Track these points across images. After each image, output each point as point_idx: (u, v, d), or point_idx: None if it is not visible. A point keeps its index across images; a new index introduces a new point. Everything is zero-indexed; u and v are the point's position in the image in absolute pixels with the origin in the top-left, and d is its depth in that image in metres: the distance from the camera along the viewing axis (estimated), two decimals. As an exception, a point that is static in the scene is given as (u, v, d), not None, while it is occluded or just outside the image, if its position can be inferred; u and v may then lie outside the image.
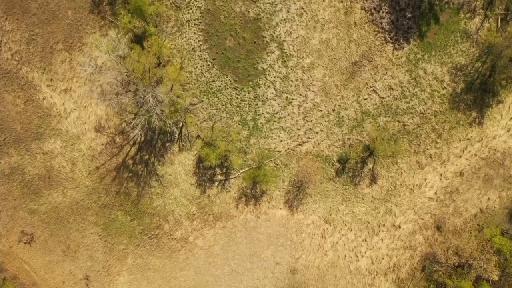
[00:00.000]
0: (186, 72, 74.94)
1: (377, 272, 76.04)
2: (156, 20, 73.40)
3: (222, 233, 75.29)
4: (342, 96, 75.40)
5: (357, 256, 76.00)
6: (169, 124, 68.79)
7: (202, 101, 75.43)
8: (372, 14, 74.73)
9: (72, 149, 74.65)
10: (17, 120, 73.85)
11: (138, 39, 73.66)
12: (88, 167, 74.78)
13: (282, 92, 75.33)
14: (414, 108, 75.23)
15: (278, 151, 75.65)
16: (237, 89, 75.48)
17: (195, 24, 75.11)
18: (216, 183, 75.68)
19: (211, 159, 69.94)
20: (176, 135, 74.80)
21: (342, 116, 75.49)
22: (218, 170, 75.47)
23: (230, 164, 74.43)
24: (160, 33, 74.11)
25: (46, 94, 74.15)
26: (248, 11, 74.85)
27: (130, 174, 74.89)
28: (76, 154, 74.71)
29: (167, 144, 74.89)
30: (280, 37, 74.87)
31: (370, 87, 75.23)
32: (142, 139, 73.01)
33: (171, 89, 68.32)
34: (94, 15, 74.25)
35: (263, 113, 75.58)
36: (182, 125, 74.64)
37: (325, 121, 75.49)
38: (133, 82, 64.65)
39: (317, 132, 75.58)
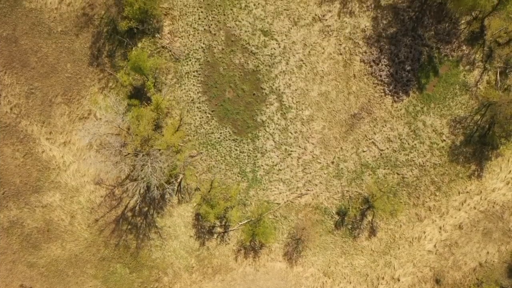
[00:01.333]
0: (185, 123, 74.98)
1: (376, 323, 76.13)
2: (155, 72, 73.36)
3: (221, 286, 75.28)
4: (341, 148, 75.41)
5: (356, 307, 76.10)
6: (168, 188, 68.95)
7: (201, 153, 75.45)
8: (371, 66, 74.75)
9: (71, 202, 74.65)
10: (16, 173, 73.86)
11: (137, 91, 73.82)
12: (87, 220, 74.78)
13: (281, 144, 75.35)
14: (413, 160, 75.23)
15: (277, 203, 75.65)
16: (236, 141, 75.49)
17: (194, 75, 75.15)
18: (215, 235, 75.68)
19: (210, 218, 70.00)
20: (175, 187, 74.76)
21: (341, 168, 75.50)
22: (217, 223, 75.47)
23: (229, 217, 74.39)
24: (159, 85, 74.21)
25: (45, 147, 74.18)
26: (247, 63, 74.88)
27: (129, 227, 74.90)
28: (75, 206, 74.71)
29: (166, 196, 74.86)
30: (279, 89, 74.91)
31: (369, 139, 75.24)
32: (140, 200, 73.10)
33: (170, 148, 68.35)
34: (93, 68, 74.29)
35: (262, 165, 75.59)
36: (181, 178, 74.61)
37: (324, 173, 75.48)
38: (132, 153, 64.69)
39: (316, 184, 75.57)
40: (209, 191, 71.94)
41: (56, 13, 73.25)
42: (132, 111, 68.46)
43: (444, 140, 75.10)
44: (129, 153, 64.69)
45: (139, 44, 74.31)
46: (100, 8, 73.56)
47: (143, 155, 64.12)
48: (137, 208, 74.71)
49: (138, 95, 74.07)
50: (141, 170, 63.68)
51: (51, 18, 73.22)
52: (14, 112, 73.42)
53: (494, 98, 68.83)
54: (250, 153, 75.46)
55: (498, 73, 73.80)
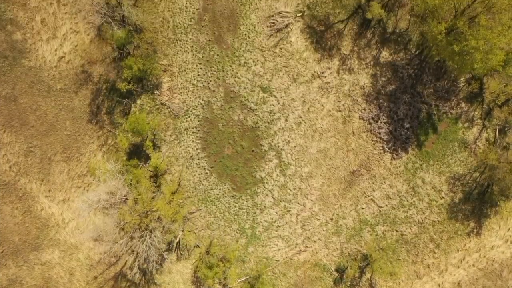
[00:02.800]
0: (184, 180, 75.02)
1: None
2: (154, 130, 73.34)
3: None
4: (340, 205, 75.44)
5: None
6: (167, 255, 69.19)
7: (200, 209, 75.47)
8: (370, 124, 74.79)
9: (70, 259, 74.66)
10: (15, 231, 73.87)
11: (136, 148, 73.87)
12: (86, 277, 74.77)
13: (280, 201, 75.37)
14: (412, 217, 75.26)
15: (276, 260, 75.63)
16: (235, 198, 75.52)
17: (193, 132, 75.19)
18: (214, 292, 75.78)
19: (209, 282, 70.04)
20: (174, 244, 74.74)
21: (340, 225, 75.52)
22: (216, 279, 75.42)
23: (228, 275, 74.36)
24: (158, 141, 74.30)
25: (44, 205, 74.20)
26: (247, 120, 74.93)
27: (128, 284, 74.89)
28: (74, 264, 74.71)
29: (165, 253, 74.81)
30: (278, 146, 74.95)
31: (368, 196, 75.27)
32: (139, 257, 73.00)
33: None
34: (92, 125, 74.34)
35: (261, 222, 75.60)
36: (180, 235, 74.59)
37: (323, 230, 75.51)
38: (131, 231, 64.74)
39: (315, 241, 75.58)
40: (207, 251, 71.96)
41: (55, 71, 73.30)
42: (130, 175, 68.39)
43: (443, 198, 75.14)
44: (127, 232, 65.00)
45: (138, 101, 74.41)
46: (99, 66, 73.60)
47: (142, 230, 64.23)
48: (135, 264, 74.62)
49: (137, 152, 74.13)
50: (141, 244, 63.76)
51: (50, 76, 73.26)
52: (13, 170, 73.43)
53: (493, 162, 68.85)
54: (249, 210, 75.48)
55: (497, 131, 73.85)
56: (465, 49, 56.90)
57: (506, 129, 73.72)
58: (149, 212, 65.35)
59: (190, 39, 74.56)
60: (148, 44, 70.43)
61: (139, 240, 64.13)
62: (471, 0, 57.75)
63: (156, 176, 72.67)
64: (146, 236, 63.64)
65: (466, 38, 56.73)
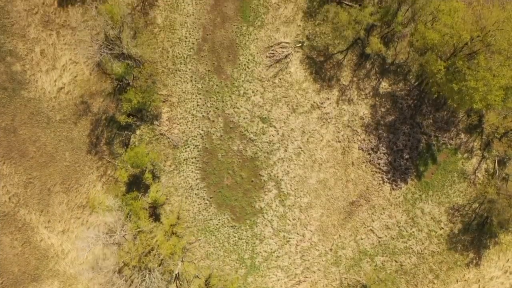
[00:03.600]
0: (184, 210, 75.06)
1: None
2: (154, 161, 73.35)
3: None
4: (339, 235, 75.46)
5: None
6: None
7: (199, 239, 75.49)
8: (369, 154, 74.80)
9: (70, 290, 74.85)
10: (14, 262, 73.88)
11: (136, 178, 73.87)
12: (86, 308, 74.92)
13: (280, 231, 75.40)
14: (411, 248, 75.27)
15: (275, 291, 75.80)
16: (234, 228, 75.53)
17: (192, 162, 75.21)
18: (214, 323, 75.81)
19: (209, 317, 70.28)
20: (174, 275, 74.76)
21: (340, 255, 75.53)
22: (215, 310, 75.59)
23: (228, 305, 74.56)
24: (158, 172, 74.35)
25: (43, 236, 74.20)
26: (246, 150, 74.96)
27: (127, 314, 74.91)
28: (73, 294, 74.89)
29: (164, 284, 74.79)
30: (277, 176, 74.96)
31: (368, 226, 75.29)
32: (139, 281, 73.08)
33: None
34: (91, 155, 74.36)
35: (260, 252, 75.63)
36: (180, 265, 74.61)
37: (323, 260, 75.52)
38: (130, 273, 64.81)
39: (314, 271, 75.60)
40: (207, 283, 72.02)
41: (54, 102, 73.32)
42: (129, 208, 68.44)
43: (442, 228, 75.16)
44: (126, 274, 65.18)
45: (138, 132, 74.42)
46: (98, 97, 73.64)
47: (141, 270, 64.31)
48: (135, 295, 74.71)
49: (137, 182, 74.14)
50: (139, 283, 63.85)
51: (49, 107, 73.27)
52: (13, 202, 73.44)
53: (492, 196, 68.88)
54: (249, 240, 75.50)
55: (496, 162, 73.87)
56: (464, 89, 56.90)
57: (505, 160, 73.68)
58: (149, 252, 65.39)
59: (189, 69, 74.60)
60: (148, 76, 70.34)
61: (138, 278, 64.18)
62: (470, 39, 57.69)
63: (155, 207, 72.68)
64: (145, 276, 63.67)
65: (465, 77, 56.72)
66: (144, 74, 69.60)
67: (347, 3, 72.73)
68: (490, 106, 59.69)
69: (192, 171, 75.16)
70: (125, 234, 65.82)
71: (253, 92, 74.54)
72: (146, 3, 73.96)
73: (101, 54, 67.74)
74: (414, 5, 68.52)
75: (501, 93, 57.49)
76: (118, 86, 72.85)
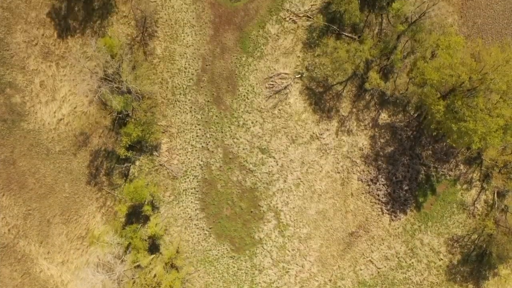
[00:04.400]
0: (183, 241, 75.09)
1: None
2: (153, 192, 73.32)
3: None
4: (338, 266, 75.51)
5: None
6: None
7: (198, 270, 75.52)
8: (369, 185, 74.85)
9: (69, 321, 74.85)
10: (14, 294, 74.03)
11: (135, 209, 73.89)
12: (85, 338, 74.87)
13: (279, 262, 75.43)
14: (410, 279, 75.33)
15: (274, 321, 75.81)
16: (234, 258, 75.57)
17: (192, 193, 75.25)
18: None
19: None
20: (173, 305, 74.82)
21: (339, 286, 75.56)
22: None
23: (227, 336, 74.65)
24: (157, 202, 74.39)
25: (43, 267, 74.22)
26: (245, 180, 75.00)
27: None
28: (73, 325, 74.88)
29: (164, 315, 74.89)
30: (277, 207, 75.02)
31: (367, 257, 75.34)
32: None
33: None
34: (91, 187, 74.39)
35: (260, 282, 75.67)
36: (179, 296, 74.73)
37: (322, 291, 75.68)
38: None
39: (313, 302, 75.75)
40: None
41: (54, 133, 73.35)
42: (128, 240, 68.56)
43: (442, 259, 75.24)
44: None
45: (137, 163, 74.45)
46: (98, 127, 73.68)
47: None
48: (134, 326, 74.80)
49: (136, 212, 74.13)
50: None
51: (49, 138, 73.29)
52: (12, 233, 73.45)
53: (491, 231, 68.96)
54: (248, 270, 75.54)
55: (495, 194, 73.90)
56: (463, 129, 56.94)
57: (504, 192, 73.72)
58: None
59: (189, 100, 74.67)
60: (147, 109, 70.38)
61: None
62: (469, 80, 57.67)
63: (154, 239, 72.73)
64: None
65: (464, 118, 56.77)
66: (143, 107, 69.66)
67: (346, 34, 72.84)
68: (489, 145, 59.72)
69: (192, 202, 75.21)
70: (124, 270, 65.86)
71: (252, 122, 74.60)
72: (146, 34, 74.01)
73: (99, 87, 67.67)
74: (413, 38, 68.71)
75: (500, 133, 57.53)
76: (118, 117, 72.82)
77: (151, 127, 70.90)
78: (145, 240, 72.40)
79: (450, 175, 74.71)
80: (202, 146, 74.85)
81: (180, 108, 74.76)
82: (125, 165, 73.06)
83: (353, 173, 75.02)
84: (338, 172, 75.05)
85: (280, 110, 74.67)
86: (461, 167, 74.58)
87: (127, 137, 69.01)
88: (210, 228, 75.29)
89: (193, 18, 74.27)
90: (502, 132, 61.06)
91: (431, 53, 69.03)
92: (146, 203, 72.13)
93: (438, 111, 58.93)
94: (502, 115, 55.58)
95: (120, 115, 72.37)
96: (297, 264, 75.42)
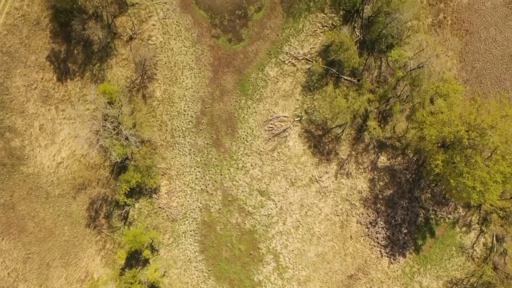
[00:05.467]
0: (182, 283, 75.18)
1: None
2: (152, 237, 73.35)
3: None
4: (337, 308, 75.66)
5: None
6: None
7: (198, 312, 75.65)
8: (368, 228, 74.92)
9: None
10: (13, 337, 74.04)
11: (135, 252, 73.90)
12: None
13: (278, 304, 75.59)
14: (409, 321, 75.50)
15: None
16: (233, 300, 75.73)
17: (191, 235, 75.33)
18: None
19: None
20: None
21: (338, 328, 75.74)
22: None
23: None
24: (156, 245, 74.45)
25: (42, 310, 74.38)
26: (244, 223, 75.08)
27: None
28: None
29: None
30: (276, 249, 75.07)
31: (366, 300, 75.48)
32: None
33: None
34: (90, 229, 74.43)
35: (259, 325, 75.81)
36: None
37: (321, 334, 75.74)
38: None
39: None
40: None
41: (53, 177, 73.42)
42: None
43: (441, 302, 75.40)
44: None
45: (136, 205, 74.52)
46: (97, 170, 73.74)
47: None
48: None
49: (136, 256, 74.17)
50: None
51: (48, 182, 73.37)
52: (12, 276, 73.51)
53: (489, 278, 69.01)
54: (247, 313, 75.68)
55: (494, 237, 73.95)
56: (462, 186, 57.01)
57: (503, 235, 73.75)
58: None
59: (188, 142, 74.76)
60: (146, 156, 70.43)
61: None
62: (467, 138, 57.62)
63: (154, 284, 72.81)
64: None
65: (462, 175, 56.83)
66: (142, 153, 69.71)
67: (345, 78, 72.95)
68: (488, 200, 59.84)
69: (191, 244, 75.28)
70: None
71: (251, 165, 74.68)
72: (145, 77, 74.09)
73: (99, 136, 67.71)
74: (412, 84, 68.79)
75: (498, 190, 57.56)
76: (117, 161, 72.80)
77: (150, 171, 70.97)
78: (145, 283, 72.52)
79: (449, 218, 74.78)
80: (201, 189, 74.93)
81: (180, 150, 74.85)
82: (124, 210, 73.10)
83: (352, 216, 75.10)
84: (337, 215, 75.13)
85: (279, 152, 74.75)
86: (460, 210, 74.62)
87: (126, 183, 69.04)
88: (209, 270, 75.36)
89: (193, 60, 74.39)
90: (501, 184, 61.07)
91: (429, 99, 69.11)
92: (145, 247, 72.19)
93: (437, 165, 59.00)
94: (501, 171, 55.63)
95: (120, 159, 72.35)
96: (296, 307, 75.57)
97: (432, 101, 68.93)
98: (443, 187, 68.65)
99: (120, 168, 73.12)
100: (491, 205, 70.87)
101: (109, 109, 66.66)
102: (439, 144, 63.43)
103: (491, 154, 54.84)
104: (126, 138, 68.40)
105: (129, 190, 70.75)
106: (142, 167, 69.56)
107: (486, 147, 56.21)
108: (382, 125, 71.51)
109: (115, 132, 68.38)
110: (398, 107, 66.39)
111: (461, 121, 56.61)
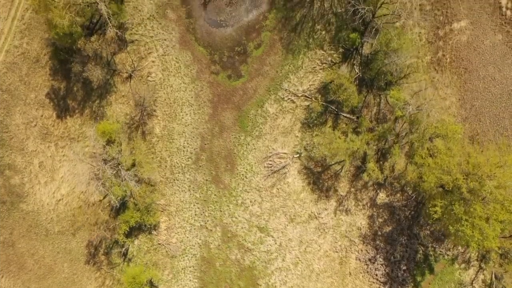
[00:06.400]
0: (182, 319, 75.37)
1: None
2: (152, 276, 73.38)
3: None
4: None
5: None
6: None
7: None
8: (367, 265, 75.00)
9: None
10: None
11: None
12: None
13: None
14: None
15: None
16: (232, 336, 75.81)
17: (190, 271, 75.44)
18: None
19: None
20: None
21: None
22: None
23: None
24: (156, 281, 74.54)
25: None
26: (244, 259, 75.18)
27: None
28: None
29: None
30: (275, 286, 75.15)
31: (365, 336, 75.55)
32: None
33: None
34: (90, 266, 74.59)
35: None
36: None
37: None
38: None
39: None
40: None
41: (53, 214, 73.59)
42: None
43: (440, 337, 75.43)
44: None
45: (136, 242, 74.64)
46: (97, 207, 73.91)
47: None
48: None
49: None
50: None
51: (48, 219, 73.54)
52: (11, 314, 73.73)
53: (489, 319, 69.24)
54: None
55: (493, 274, 73.99)
56: (461, 233, 57.12)
57: (502, 272, 73.82)
58: None
59: (187, 178, 74.89)
60: (145, 196, 70.57)
61: None
62: (464, 181, 57.79)
63: (153, 321, 73.05)
64: None
65: (461, 222, 56.96)
66: (141, 193, 69.85)
67: (344, 115, 73.09)
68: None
69: (190, 280, 75.40)
70: None
71: (251, 201, 74.80)
72: (145, 113, 74.22)
73: (97, 178, 67.91)
74: (411, 123, 69.00)
75: (497, 238, 57.65)
76: (117, 200, 72.92)
77: (149, 208, 71.12)
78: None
79: (448, 255, 74.81)
80: (201, 225, 75.06)
81: (179, 187, 74.98)
82: (124, 248, 73.21)
83: (351, 253, 75.17)
84: (336, 251, 75.23)
85: (278, 189, 74.86)
86: (459, 247, 74.66)
87: (126, 224, 69.19)
88: (208, 306, 75.56)
89: (192, 97, 74.55)
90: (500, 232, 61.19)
91: (429, 138, 69.24)
92: (145, 283, 72.27)
93: (436, 211, 59.15)
94: (500, 221, 55.77)
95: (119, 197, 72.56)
96: None
97: (431, 140, 69.04)
98: (442, 229, 68.81)
99: (120, 205, 73.14)
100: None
101: (108, 150, 66.75)
102: (439, 187, 63.55)
103: (490, 202, 54.97)
104: (125, 179, 68.51)
105: (128, 229, 70.88)
106: (141, 206, 69.66)
107: (485, 194, 56.30)
108: (381, 162, 71.61)
109: (114, 172, 68.46)
110: (397, 151, 66.50)
111: (459, 169, 56.73)
